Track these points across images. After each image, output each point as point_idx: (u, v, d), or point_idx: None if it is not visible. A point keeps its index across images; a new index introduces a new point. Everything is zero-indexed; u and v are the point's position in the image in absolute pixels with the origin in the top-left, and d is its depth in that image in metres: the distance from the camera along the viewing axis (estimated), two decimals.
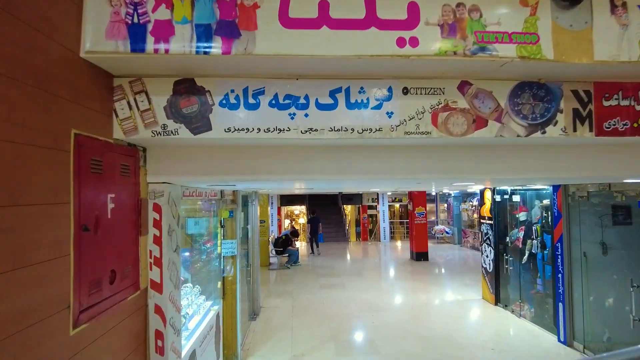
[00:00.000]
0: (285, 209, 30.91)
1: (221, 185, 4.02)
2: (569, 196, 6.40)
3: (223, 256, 5.81)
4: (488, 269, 9.03)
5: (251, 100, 2.33)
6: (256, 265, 8.37)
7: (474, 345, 6.47)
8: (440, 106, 2.38)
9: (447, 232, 19.68)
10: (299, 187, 5.84)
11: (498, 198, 8.75)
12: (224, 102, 2.33)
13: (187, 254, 5.72)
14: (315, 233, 17.20)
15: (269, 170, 2.74)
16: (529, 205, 7.98)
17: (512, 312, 8.06)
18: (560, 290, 6.47)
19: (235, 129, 2.31)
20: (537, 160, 2.95)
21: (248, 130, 2.30)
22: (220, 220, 5.27)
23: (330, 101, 2.35)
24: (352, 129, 2.34)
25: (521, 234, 8.23)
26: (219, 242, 5.02)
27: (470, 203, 18.11)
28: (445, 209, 21.87)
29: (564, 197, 6.43)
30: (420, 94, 2.39)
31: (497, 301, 8.70)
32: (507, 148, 2.91)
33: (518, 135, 2.42)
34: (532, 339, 6.68)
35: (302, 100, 2.33)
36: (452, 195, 19.64)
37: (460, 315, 8.28)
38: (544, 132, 2.46)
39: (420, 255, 14.49)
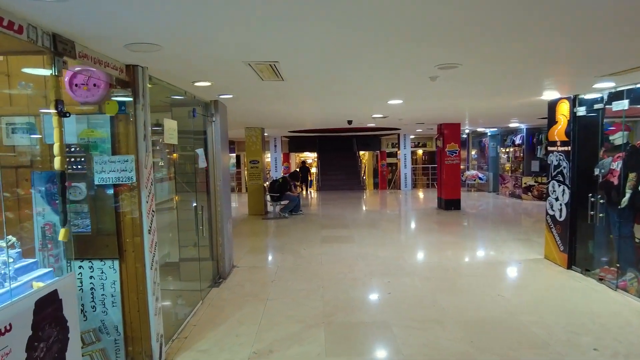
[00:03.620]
0: (296, 157, 28.35)
1: None
2: None
3: (105, 185, 3.20)
4: (557, 216, 6.24)
5: None
6: (222, 211, 5.81)
7: (559, 339, 3.84)
8: None
9: (480, 178, 16.76)
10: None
11: (582, 111, 5.80)
12: None
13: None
14: (305, 180, 19.01)
15: None
16: None
17: (600, 280, 5.35)
18: None
19: None
20: None
21: None
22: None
23: None
24: None
25: (617, 165, 5.36)
26: (57, 146, 2.33)
27: (512, 145, 14.99)
28: (477, 152, 18.77)
29: None
30: None
31: (571, 263, 5.98)
32: None
33: None
34: None
35: None
36: (488, 134, 16.51)
37: (519, 283, 5.63)
38: None
39: (450, 204, 11.77)
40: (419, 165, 22.67)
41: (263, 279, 5.82)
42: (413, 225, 10.12)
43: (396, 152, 24.12)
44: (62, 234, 2.36)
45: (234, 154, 24.46)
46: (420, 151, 25.47)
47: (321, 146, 20.83)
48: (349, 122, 9.46)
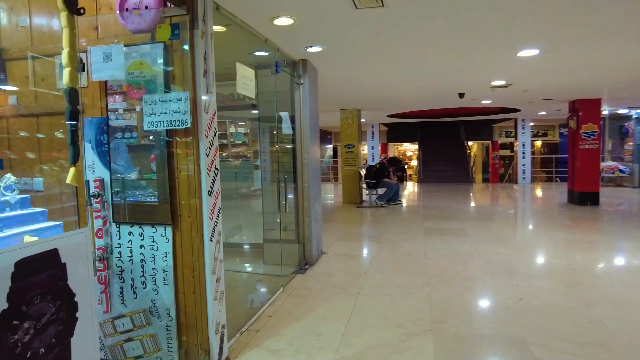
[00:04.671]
0: (395, 149, 27.05)
1: None
2: None
3: (157, 130, 2.54)
4: None
5: None
6: (310, 188, 5.03)
7: None
8: None
9: (621, 171, 13.82)
10: None
11: None
12: None
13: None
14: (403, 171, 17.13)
15: None
16: None
17: None
18: None
19: None
20: None
21: None
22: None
23: None
24: None
25: None
26: (66, 53, 1.67)
27: None
28: (615, 141, 15.59)
29: None
30: None
31: None
32: None
33: None
34: None
35: None
36: (634, 116, 13.50)
37: None
38: None
39: (585, 197, 9.63)
40: (537, 156, 19.83)
41: (355, 270, 4.91)
42: (539, 219, 8.33)
43: (511, 142, 21.50)
44: (70, 175, 1.71)
45: (331, 145, 24.05)
46: (538, 142, 22.36)
47: (423, 134, 19.26)
48: (461, 95, 8.06)
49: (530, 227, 7.70)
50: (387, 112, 12.81)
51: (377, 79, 6.62)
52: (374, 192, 10.36)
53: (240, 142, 9.82)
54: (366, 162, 15.84)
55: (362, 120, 15.18)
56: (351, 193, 10.76)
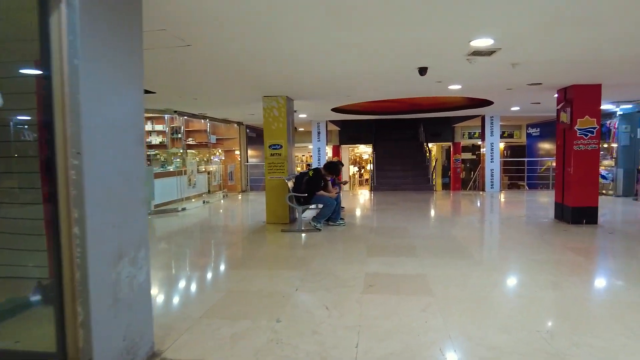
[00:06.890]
0: (350, 151, 24.62)
1: None
2: None
3: None
4: None
5: None
6: (93, 234, 2.18)
7: None
8: None
9: (603, 177, 11.89)
10: None
11: None
12: None
13: None
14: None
15: None
16: None
17: None
18: None
19: None
20: None
21: None
22: None
23: None
24: None
25: None
26: None
27: None
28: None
29: None
30: None
31: None
32: None
33: None
34: None
35: None
36: (619, 113, 11.59)
37: None
38: None
39: (581, 214, 7.36)
40: (503, 159, 17.94)
41: None
42: (538, 255, 5.79)
43: (473, 144, 19.60)
44: None
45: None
46: (501, 144, 20.56)
47: (378, 133, 16.85)
48: (422, 71, 5.45)
49: (529, 270, 5.12)
50: (331, 103, 10.16)
51: (298, 38, 3.89)
52: (309, 207, 7.66)
53: None
54: (309, 166, 13.16)
55: (303, 115, 12.50)
56: (277, 210, 7.97)
